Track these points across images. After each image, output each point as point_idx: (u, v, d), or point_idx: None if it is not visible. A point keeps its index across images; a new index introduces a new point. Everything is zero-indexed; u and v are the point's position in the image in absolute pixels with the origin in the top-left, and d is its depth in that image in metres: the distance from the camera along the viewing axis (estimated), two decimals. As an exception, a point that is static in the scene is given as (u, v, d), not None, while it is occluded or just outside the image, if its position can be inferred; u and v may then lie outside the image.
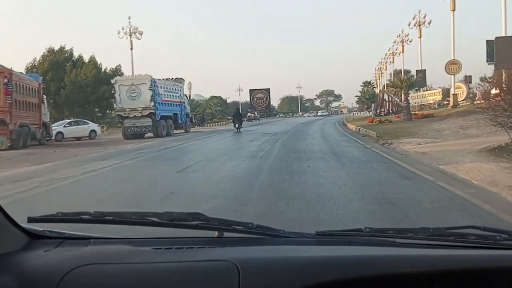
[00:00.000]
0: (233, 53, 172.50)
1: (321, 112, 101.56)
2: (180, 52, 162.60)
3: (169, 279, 1.01)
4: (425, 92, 35.79)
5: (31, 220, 1.26)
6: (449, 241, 1.17)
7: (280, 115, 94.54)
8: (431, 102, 35.77)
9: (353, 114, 36.58)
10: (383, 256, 1.07)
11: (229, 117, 44.08)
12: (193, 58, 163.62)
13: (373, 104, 36.00)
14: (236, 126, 24.87)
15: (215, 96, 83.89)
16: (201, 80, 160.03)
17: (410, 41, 49.05)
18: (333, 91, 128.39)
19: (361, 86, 65.52)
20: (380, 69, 67.39)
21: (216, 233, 1.27)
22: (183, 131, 28.19)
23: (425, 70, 42.04)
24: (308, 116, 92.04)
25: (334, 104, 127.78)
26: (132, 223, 1.30)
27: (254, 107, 71.78)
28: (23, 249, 1.16)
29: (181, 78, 28.29)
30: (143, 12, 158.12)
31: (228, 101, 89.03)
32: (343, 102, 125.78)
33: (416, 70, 37.39)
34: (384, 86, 59.01)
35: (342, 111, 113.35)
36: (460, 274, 1.01)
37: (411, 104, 36.23)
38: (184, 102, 28.13)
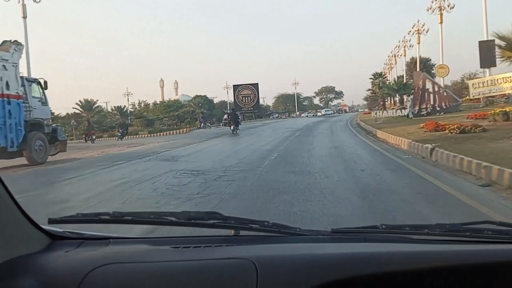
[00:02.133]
0: (223, 50, 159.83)
1: (325, 111, 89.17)
2: (165, 50, 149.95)
3: (188, 277, 1.01)
4: (497, 76, 22.41)
5: (51, 221, 1.26)
6: (465, 237, 1.15)
7: (275, 116, 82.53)
8: (508, 92, 22.38)
9: (376, 114, 22.68)
10: (399, 252, 1.06)
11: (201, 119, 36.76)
12: (181, 57, 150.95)
13: (410, 98, 22.64)
14: (232, 128, 22.91)
15: (200, 95, 72.15)
16: (190, 80, 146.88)
17: (427, 31, 36.50)
18: (334, 87, 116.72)
19: (371, 79, 53.33)
20: (395, 56, 54.34)
21: (232, 232, 1.27)
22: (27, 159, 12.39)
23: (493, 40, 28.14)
24: (307, 116, 79.58)
25: (335, 102, 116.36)
26: (150, 223, 1.33)
27: (239, 106, 58.47)
28: (45, 250, 1.18)
29: (13, 41, 12.12)
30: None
31: (216, 100, 77.09)
32: (343, 100, 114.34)
33: (479, 42, 24.16)
34: (396, 78, 46.59)
35: (345, 109, 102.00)
36: (477, 268, 1.00)
37: (472, 95, 23.04)
38: (22, 97, 12.24)
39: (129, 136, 30.52)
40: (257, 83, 60.10)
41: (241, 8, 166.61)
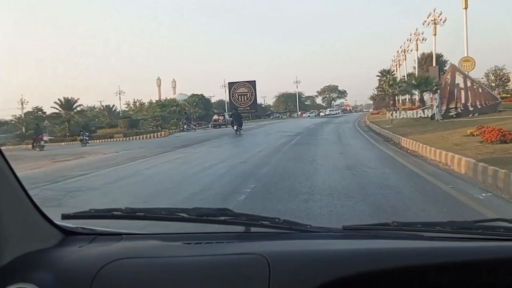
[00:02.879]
0: (223, 50, 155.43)
1: (329, 110, 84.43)
2: (164, 49, 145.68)
3: (201, 272, 1.02)
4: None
5: (64, 217, 1.27)
6: (477, 234, 1.14)
7: (276, 116, 78.32)
8: None
9: (392, 115, 17.88)
10: (410, 249, 1.05)
11: (183, 121, 32.18)
12: (181, 56, 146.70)
13: (436, 96, 18.10)
14: (235, 128, 22.02)
15: (196, 94, 68.05)
16: (190, 80, 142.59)
17: (444, 21, 31.59)
18: (337, 86, 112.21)
19: (378, 76, 48.85)
20: (405, 51, 49.79)
21: (243, 228, 1.28)
22: None
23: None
24: (309, 116, 75.29)
25: (338, 101, 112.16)
26: (162, 219, 1.32)
27: (235, 106, 53.97)
28: (58, 245, 1.20)
29: None
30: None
31: (214, 100, 73.12)
32: (346, 100, 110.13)
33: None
34: (405, 76, 42.08)
35: (350, 109, 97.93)
36: (489, 265, 0.99)
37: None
38: None
39: (99, 140, 26.20)
40: (254, 81, 55.70)
41: (241, 7, 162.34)
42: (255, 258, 0.99)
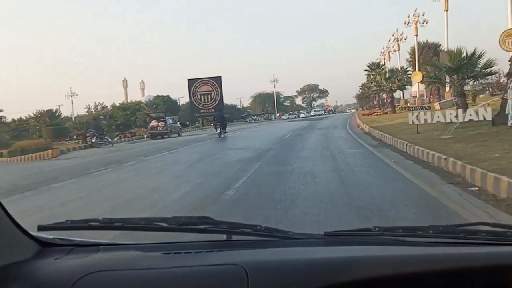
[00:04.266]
0: (196, 49, 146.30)
1: (314, 111, 79.82)
2: (134, 48, 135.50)
3: (178, 284, 1.00)
4: None
5: (41, 228, 1.24)
6: (459, 239, 1.13)
7: (253, 118, 70.21)
8: None
9: (418, 118, 8.68)
10: (392, 256, 1.05)
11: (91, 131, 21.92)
12: (151, 56, 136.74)
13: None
14: (219, 131, 20.49)
15: (161, 96, 60.07)
16: (162, 81, 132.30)
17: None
18: (318, 85, 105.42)
19: (366, 71, 41.26)
20: (398, 40, 42.15)
21: (225, 236, 1.25)
22: None
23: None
24: (288, 118, 67.51)
25: (319, 101, 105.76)
26: (141, 229, 1.31)
27: (197, 107, 45.20)
28: (34, 257, 1.17)
29: None
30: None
31: (183, 101, 64.91)
32: (327, 100, 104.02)
33: None
34: (401, 67, 34.40)
35: (331, 109, 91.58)
36: (471, 271, 0.98)
37: None
38: None
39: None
40: (220, 77, 46.51)
41: (215, 5, 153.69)
42: (233, 269, 0.98)
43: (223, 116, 22.25)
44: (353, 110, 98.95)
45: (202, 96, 46.16)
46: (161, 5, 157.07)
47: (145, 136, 27.37)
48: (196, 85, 46.17)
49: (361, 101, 72.44)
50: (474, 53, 12.59)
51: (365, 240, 1.19)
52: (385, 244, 1.14)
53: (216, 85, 45.63)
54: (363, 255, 1.04)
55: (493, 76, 21.27)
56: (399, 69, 34.77)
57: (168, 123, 26.55)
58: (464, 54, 12.58)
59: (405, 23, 36.40)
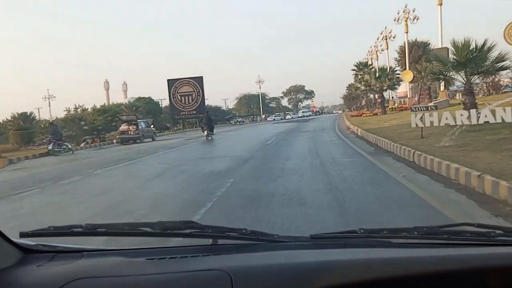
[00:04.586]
0: (182, 49, 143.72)
1: (302, 112, 79.00)
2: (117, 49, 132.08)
3: None
4: None
5: (23, 235, 1.23)
6: (443, 239, 1.15)
7: (238, 120, 68.45)
8: None
9: (422, 119, 6.79)
10: (378, 259, 1.04)
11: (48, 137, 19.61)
12: (133, 58, 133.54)
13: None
14: (206, 133, 20.01)
15: (143, 97, 57.84)
16: (147, 82, 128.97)
17: None
18: (304, 86, 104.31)
19: (354, 70, 39.99)
20: (386, 39, 40.81)
21: (210, 241, 1.24)
22: None
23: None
24: (274, 120, 65.88)
25: (305, 102, 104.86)
26: (125, 234, 1.27)
27: (177, 109, 42.95)
28: (17, 264, 1.16)
29: None
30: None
31: (165, 103, 62.87)
32: (313, 101, 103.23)
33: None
34: (390, 67, 33.01)
35: (318, 111, 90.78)
36: (456, 272, 0.98)
37: None
38: None
39: None
40: (201, 77, 44.17)
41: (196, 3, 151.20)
42: (218, 274, 0.97)
43: (210, 118, 21.55)
44: (339, 111, 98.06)
45: (183, 98, 43.84)
46: (145, 4, 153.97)
47: (114, 141, 25.02)
48: (176, 86, 43.85)
49: (348, 102, 71.16)
50: (484, 44, 10.93)
51: (351, 242, 1.18)
52: (371, 246, 1.15)
53: (198, 86, 43.38)
54: (349, 258, 1.05)
55: (504, 72, 20.25)
56: (388, 68, 33.35)
57: (140, 127, 24.20)
58: (473, 46, 10.90)
59: (395, 20, 35.03)
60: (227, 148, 14.47)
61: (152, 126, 27.57)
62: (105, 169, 10.41)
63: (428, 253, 1.05)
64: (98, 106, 62.40)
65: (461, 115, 9.43)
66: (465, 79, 11.35)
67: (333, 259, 1.04)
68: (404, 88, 41.85)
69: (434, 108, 10.67)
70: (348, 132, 19.71)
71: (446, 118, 9.63)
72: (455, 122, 9.52)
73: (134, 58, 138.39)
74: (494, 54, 11.04)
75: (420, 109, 10.86)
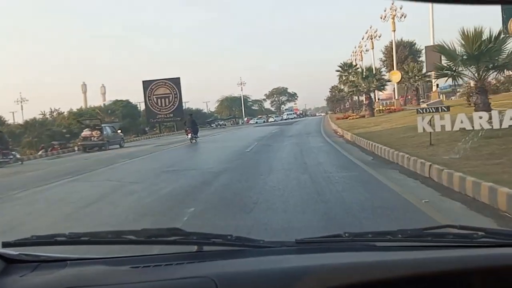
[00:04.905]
0: (162, 51, 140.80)
1: (287, 114, 78.12)
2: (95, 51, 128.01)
3: None
4: None
5: (5, 244, 1.21)
6: (427, 242, 1.15)
7: (220, 123, 66.52)
8: None
9: (431, 123, 4.73)
10: (362, 262, 1.05)
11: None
12: (110, 60, 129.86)
13: None
14: (190, 136, 19.52)
15: (120, 100, 55.51)
16: (125, 84, 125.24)
17: None
18: (287, 89, 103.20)
19: (338, 71, 38.80)
20: (372, 38, 39.56)
21: (195, 248, 1.24)
22: None
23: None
24: (256, 123, 64.26)
25: (288, 105, 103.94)
26: (109, 243, 1.27)
27: (153, 112, 40.51)
28: (0, 275, 1.14)
29: None
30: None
31: (144, 106, 60.33)
32: (296, 104, 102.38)
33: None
34: (375, 67, 31.58)
35: (301, 113, 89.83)
36: (440, 274, 0.99)
37: None
38: None
39: None
40: (178, 78, 41.73)
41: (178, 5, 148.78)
42: (203, 281, 0.97)
43: (194, 121, 20.90)
44: (322, 114, 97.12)
45: (159, 100, 41.38)
46: (124, 5, 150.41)
47: (76, 148, 22.56)
48: (152, 88, 41.34)
49: (332, 104, 69.82)
50: (499, 34, 9.29)
51: (336, 246, 1.19)
52: (356, 250, 1.15)
53: (175, 88, 41.01)
54: (334, 262, 1.05)
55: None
56: (374, 68, 31.90)
57: (105, 132, 21.78)
58: (487, 35, 9.22)
59: (381, 18, 33.65)
60: (200, 158, 12.53)
61: (119, 131, 25.14)
62: (36, 188, 8.16)
63: (412, 256, 1.06)
64: (74, 110, 60.89)
65: (480, 117, 7.68)
66: (476, 75, 9.69)
67: (318, 263, 1.04)
68: (388, 89, 40.69)
69: (445, 110, 8.88)
70: (336, 136, 17.97)
71: (462, 122, 7.87)
72: (473, 126, 7.77)
73: (112, 59, 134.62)
74: (509, 46, 9.41)
75: (427, 110, 9.06)
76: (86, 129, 21.66)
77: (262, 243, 1.21)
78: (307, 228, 3.93)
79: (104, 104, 58.10)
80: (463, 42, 9.49)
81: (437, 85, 20.28)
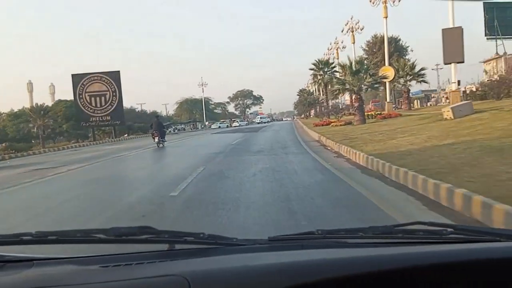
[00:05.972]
0: (121, 48, 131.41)
1: (260, 118, 74.02)
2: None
3: None
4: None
5: None
6: (397, 238, 1.16)
7: (179, 127, 59.78)
8: None
9: None
10: (335, 259, 1.05)
11: None
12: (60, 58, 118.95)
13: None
14: (157, 140, 18.66)
15: (64, 100, 48.06)
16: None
17: None
18: (252, 91, 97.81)
19: (313, 70, 33.33)
20: (352, 30, 34.12)
21: (167, 246, 1.22)
22: None
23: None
24: (219, 127, 58.06)
25: (253, 109, 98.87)
26: (77, 242, 1.25)
27: (86, 113, 32.77)
28: None
29: None
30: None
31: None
32: (261, 108, 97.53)
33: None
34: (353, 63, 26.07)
35: (271, 118, 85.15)
36: (411, 270, 0.99)
37: None
38: None
39: None
40: (118, 71, 33.88)
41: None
42: (175, 279, 0.94)
43: (161, 123, 19.79)
44: (288, 119, 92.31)
45: (93, 99, 33.57)
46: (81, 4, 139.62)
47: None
48: (84, 83, 33.50)
49: (303, 107, 64.34)
50: None
51: (308, 243, 1.19)
52: (328, 247, 1.16)
53: (113, 84, 33.32)
54: (307, 259, 1.04)
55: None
56: (352, 64, 26.27)
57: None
58: None
59: (370, 1, 28.25)
60: (72, 203, 5.90)
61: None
62: None
63: (383, 252, 1.07)
64: (15, 110, 52.91)
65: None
66: None
67: (291, 260, 1.04)
68: (387, 86, 35.57)
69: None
70: (328, 151, 11.67)
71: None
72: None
73: (62, 58, 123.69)
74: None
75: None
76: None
77: (235, 241, 1.20)
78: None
79: (37, 104, 50.26)
80: None
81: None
